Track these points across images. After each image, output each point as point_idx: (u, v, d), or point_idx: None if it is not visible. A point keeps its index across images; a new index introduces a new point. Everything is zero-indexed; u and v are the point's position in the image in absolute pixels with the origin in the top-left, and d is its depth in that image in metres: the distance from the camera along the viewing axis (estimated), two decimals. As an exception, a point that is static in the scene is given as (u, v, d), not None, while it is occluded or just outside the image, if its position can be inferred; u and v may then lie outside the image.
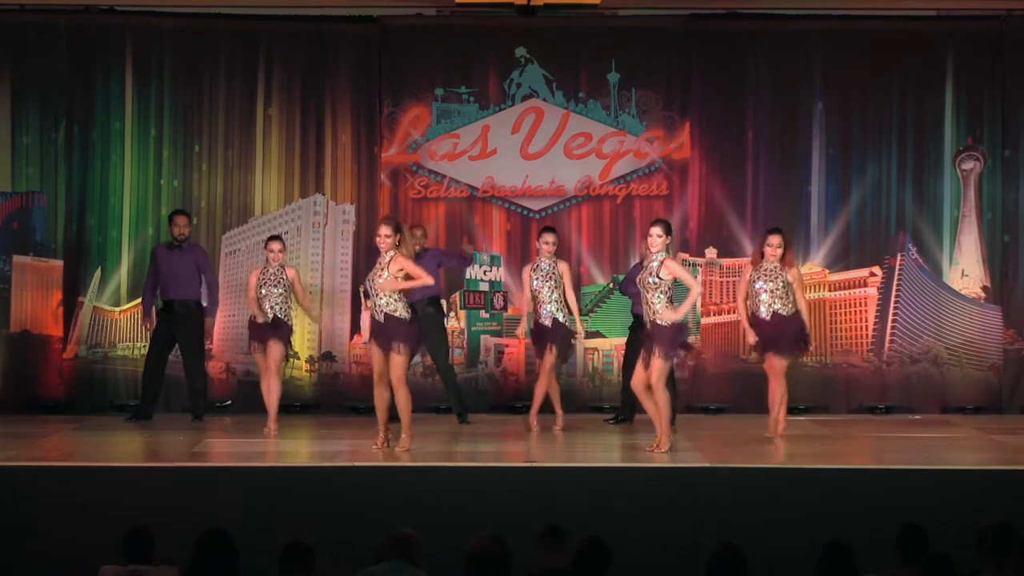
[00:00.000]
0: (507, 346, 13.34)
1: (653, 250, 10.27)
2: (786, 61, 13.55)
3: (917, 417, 13.04)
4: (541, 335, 11.61)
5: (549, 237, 11.71)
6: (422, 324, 10.76)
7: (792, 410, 12.89)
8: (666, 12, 13.53)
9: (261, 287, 11.58)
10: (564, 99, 13.48)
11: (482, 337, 13.41)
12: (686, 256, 13.24)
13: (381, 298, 10.25)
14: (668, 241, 10.30)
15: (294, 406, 12.89)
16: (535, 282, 11.61)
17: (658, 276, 10.22)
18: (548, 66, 13.49)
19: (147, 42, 13.41)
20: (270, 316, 11.53)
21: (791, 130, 13.54)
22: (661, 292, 10.23)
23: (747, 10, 13.50)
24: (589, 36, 13.49)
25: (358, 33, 13.48)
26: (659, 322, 10.23)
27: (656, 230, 10.31)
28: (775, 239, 11.19)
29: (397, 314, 10.24)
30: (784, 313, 11.12)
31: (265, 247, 11.87)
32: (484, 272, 13.33)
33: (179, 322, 12.25)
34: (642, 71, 13.49)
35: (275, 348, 11.52)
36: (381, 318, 10.26)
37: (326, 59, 13.49)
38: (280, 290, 11.58)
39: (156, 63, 13.42)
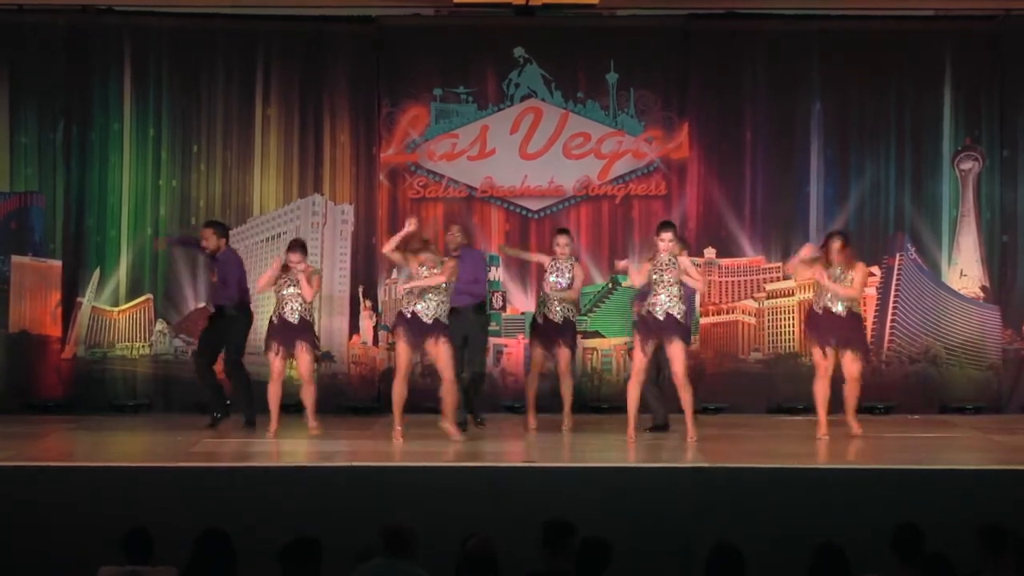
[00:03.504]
0: (506, 347, 13.34)
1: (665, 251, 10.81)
2: (784, 61, 13.54)
3: (916, 417, 13.03)
4: (549, 332, 11.64)
5: (561, 239, 11.78)
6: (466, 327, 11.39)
7: (790, 410, 12.91)
8: (664, 12, 13.53)
9: (283, 288, 11.45)
10: (563, 99, 13.48)
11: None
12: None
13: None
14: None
15: (293, 406, 12.87)
16: (551, 279, 11.69)
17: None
18: (546, 66, 13.48)
19: (145, 42, 13.41)
20: (296, 319, 11.43)
21: (789, 130, 13.54)
22: (676, 287, 10.80)
23: (745, 10, 13.50)
24: (587, 36, 13.49)
25: (356, 33, 13.49)
26: (676, 316, 10.73)
27: (668, 235, 10.85)
28: (836, 243, 11.27)
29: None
30: (856, 311, 11.26)
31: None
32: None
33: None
34: (640, 71, 13.48)
35: (304, 358, 11.42)
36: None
37: (324, 59, 13.50)
38: (298, 290, 11.46)
39: (154, 63, 13.42)
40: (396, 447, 10.81)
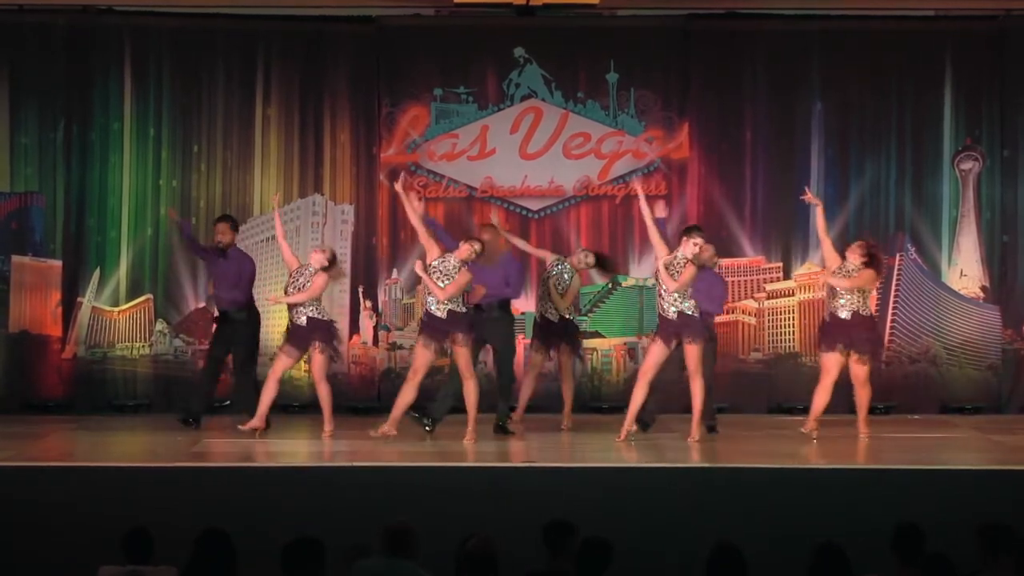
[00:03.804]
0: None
1: (689, 252, 10.79)
2: (785, 61, 13.54)
3: (916, 417, 13.04)
4: (549, 332, 11.63)
5: (584, 255, 11.81)
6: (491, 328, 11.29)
7: (791, 410, 12.91)
8: (665, 12, 13.53)
9: (290, 285, 11.41)
10: (563, 99, 13.48)
11: (480, 337, 13.38)
12: (684, 256, 13.26)
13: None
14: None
15: (293, 406, 12.89)
16: (550, 278, 11.69)
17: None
18: (547, 66, 13.49)
19: (146, 42, 13.41)
20: (303, 320, 11.37)
21: (789, 130, 13.54)
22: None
23: (746, 10, 13.50)
24: (588, 36, 13.49)
25: (356, 33, 13.49)
26: (689, 312, 10.74)
27: (700, 239, 10.87)
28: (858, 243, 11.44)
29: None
30: (864, 314, 11.26)
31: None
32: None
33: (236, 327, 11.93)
34: (641, 71, 13.49)
35: (316, 358, 11.37)
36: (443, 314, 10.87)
37: (325, 59, 13.50)
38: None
39: (155, 63, 13.42)
40: (382, 441, 10.81)
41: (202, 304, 13.31)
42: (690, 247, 10.78)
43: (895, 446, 11.32)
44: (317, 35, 13.50)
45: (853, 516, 8.67)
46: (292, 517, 8.43)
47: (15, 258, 13.32)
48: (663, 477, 9.50)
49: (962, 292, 13.51)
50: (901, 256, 13.46)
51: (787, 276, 13.47)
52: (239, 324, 11.89)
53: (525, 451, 10.99)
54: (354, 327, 13.47)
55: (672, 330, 10.79)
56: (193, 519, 7.55)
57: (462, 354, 10.88)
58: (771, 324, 13.45)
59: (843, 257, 11.30)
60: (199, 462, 10.24)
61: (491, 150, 13.48)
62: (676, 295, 10.74)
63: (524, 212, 13.47)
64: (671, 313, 10.79)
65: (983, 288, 13.51)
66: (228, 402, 13.00)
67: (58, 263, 13.33)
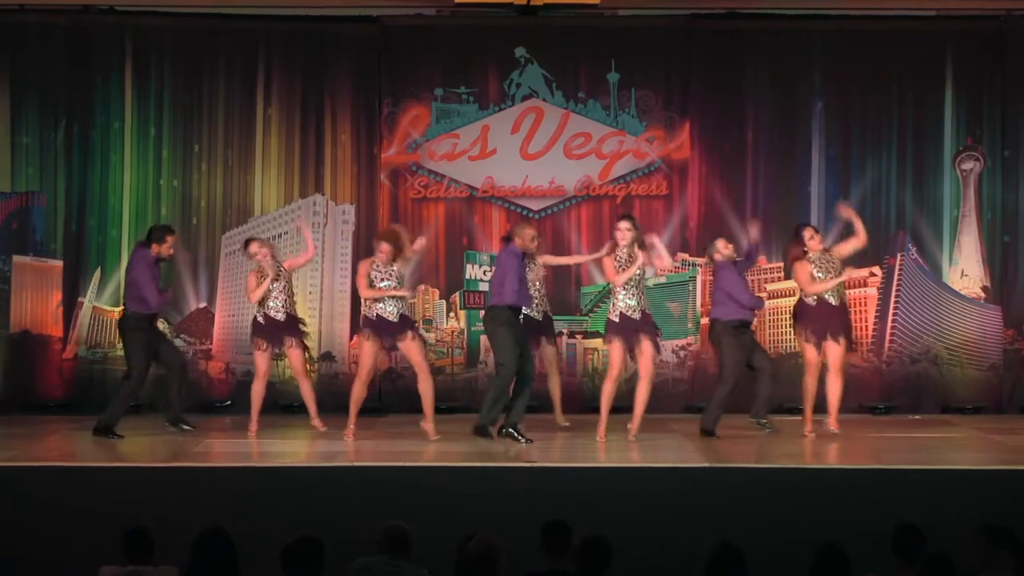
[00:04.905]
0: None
1: (624, 243, 10.98)
2: (786, 61, 13.55)
3: (917, 417, 13.04)
4: (530, 330, 11.55)
5: (528, 232, 11.59)
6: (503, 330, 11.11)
7: (791, 410, 12.90)
8: (666, 12, 13.54)
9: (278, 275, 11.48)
10: (564, 99, 13.49)
11: (482, 337, 13.37)
12: (685, 256, 13.28)
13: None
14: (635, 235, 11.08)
15: (293, 406, 12.88)
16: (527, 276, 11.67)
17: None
18: (548, 66, 13.49)
19: (146, 42, 13.43)
20: (281, 316, 11.44)
21: (790, 130, 13.55)
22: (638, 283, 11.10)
23: (747, 10, 13.51)
24: (589, 36, 13.50)
25: (358, 33, 13.50)
26: (650, 313, 11.07)
27: (625, 224, 11.04)
28: (807, 232, 11.57)
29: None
30: (846, 301, 11.56)
31: (244, 251, 11.73)
32: (484, 272, 13.34)
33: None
34: (642, 71, 13.49)
35: (294, 354, 11.45)
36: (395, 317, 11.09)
37: (326, 59, 13.51)
38: (282, 283, 11.48)
39: (156, 63, 13.43)
40: (349, 445, 10.84)
41: (203, 304, 13.33)
42: (622, 235, 10.95)
43: (895, 446, 11.32)
44: (318, 35, 13.51)
45: (853, 516, 8.67)
46: (292, 517, 8.43)
47: (16, 258, 13.33)
48: (663, 477, 9.50)
49: (963, 292, 13.51)
50: (902, 256, 13.47)
51: (787, 276, 13.44)
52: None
53: (525, 451, 10.99)
54: (354, 327, 13.45)
55: (634, 331, 10.89)
56: (193, 519, 7.55)
57: (415, 347, 11.12)
58: (771, 324, 13.45)
59: (804, 252, 11.44)
60: (199, 462, 10.25)
61: (492, 150, 13.49)
62: (643, 295, 10.84)
63: (525, 212, 13.47)
64: (636, 314, 10.88)
65: (984, 288, 13.51)
66: (229, 402, 13.03)
67: (59, 263, 13.34)
